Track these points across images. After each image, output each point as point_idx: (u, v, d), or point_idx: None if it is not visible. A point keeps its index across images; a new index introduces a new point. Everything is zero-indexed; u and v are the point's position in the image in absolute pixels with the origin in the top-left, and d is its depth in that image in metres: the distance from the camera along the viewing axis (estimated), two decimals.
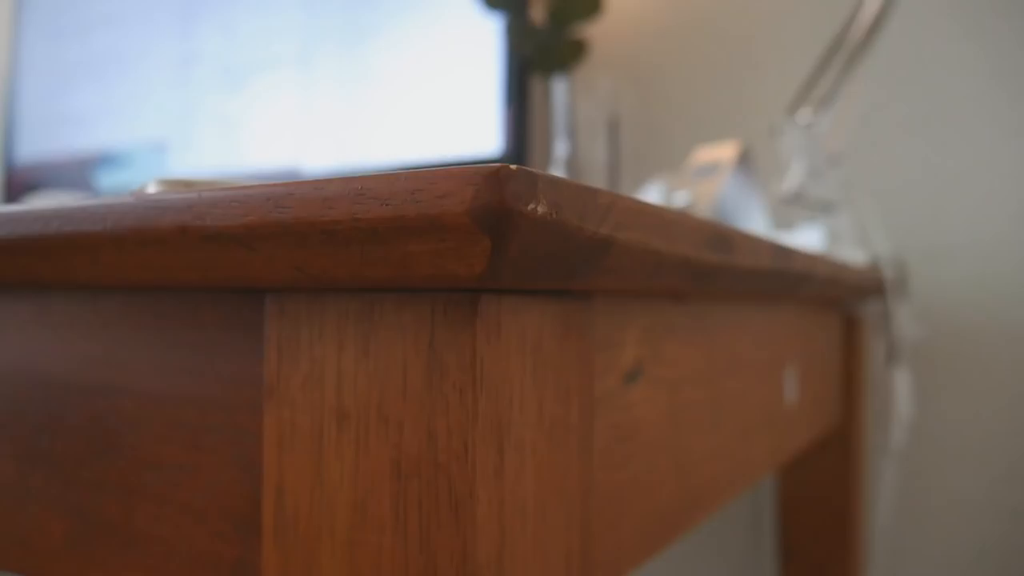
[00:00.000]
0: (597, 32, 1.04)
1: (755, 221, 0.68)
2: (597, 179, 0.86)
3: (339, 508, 0.25)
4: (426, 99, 0.94)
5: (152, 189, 0.30)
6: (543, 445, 0.26)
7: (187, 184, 0.30)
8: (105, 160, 1.20)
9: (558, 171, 0.86)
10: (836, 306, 0.76)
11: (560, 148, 0.87)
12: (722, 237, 0.32)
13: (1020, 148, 0.83)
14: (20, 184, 1.29)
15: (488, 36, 0.91)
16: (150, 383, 0.31)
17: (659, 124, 1.00)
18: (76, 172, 1.23)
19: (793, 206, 0.75)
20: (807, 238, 0.76)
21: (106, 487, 0.32)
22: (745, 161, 0.77)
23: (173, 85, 1.14)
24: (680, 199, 0.64)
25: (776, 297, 0.52)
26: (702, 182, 0.70)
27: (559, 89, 0.91)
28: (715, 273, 0.32)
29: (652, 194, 0.66)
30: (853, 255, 0.75)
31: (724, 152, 0.77)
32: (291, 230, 0.22)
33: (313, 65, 1.02)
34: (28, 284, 0.30)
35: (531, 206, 0.19)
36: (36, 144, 1.28)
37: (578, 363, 0.29)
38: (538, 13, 0.92)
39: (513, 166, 0.19)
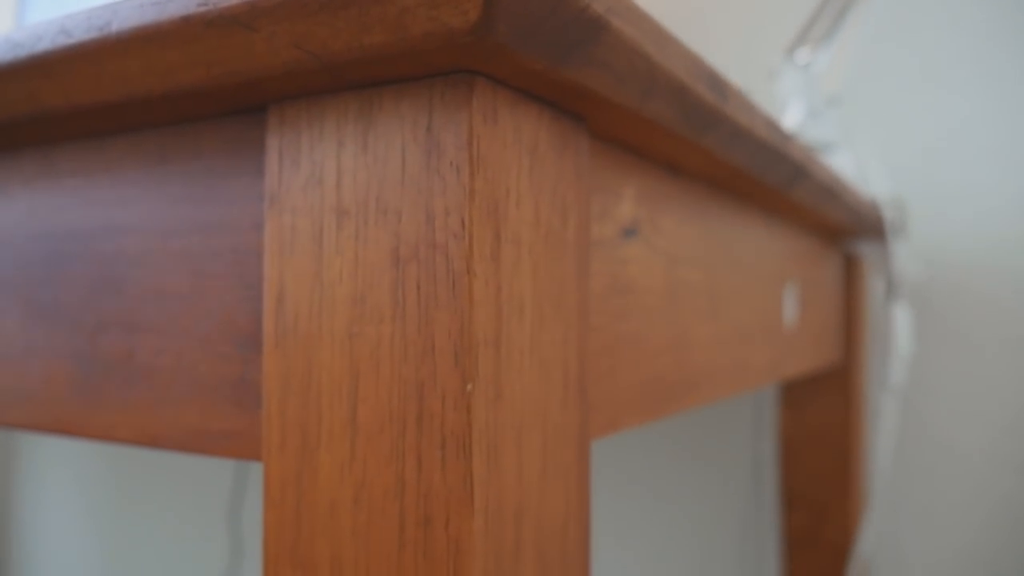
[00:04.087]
0: None
1: None
2: None
3: (338, 305, 0.25)
4: None
5: None
6: (540, 250, 0.27)
7: None
8: None
9: None
10: (836, 241, 0.76)
11: None
12: (716, 78, 0.32)
13: (1020, 91, 0.83)
14: None
15: None
16: (154, 218, 0.31)
17: None
18: None
19: None
20: None
21: (109, 328, 0.32)
22: None
23: None
24: None
25: (774, 203, 0.52)
26: None
27: None
28: (709, 118, 0.33)
29: None
30: None
31: None
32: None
33: None
34: (33, 118, 0.30)
35: None
36: None
37: (575, 185, 0.29)
38: None
39: None
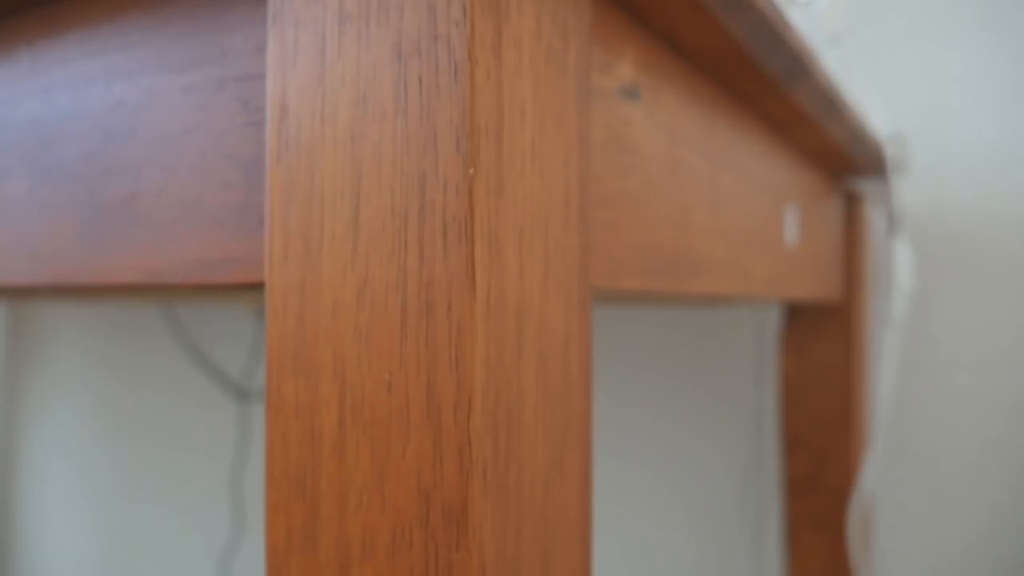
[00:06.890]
0: None
1: None
2: None
3: (341, 109, 0.25)
4: None
5: None
6: (541, 62, 0.27)
7: None
8: None
9: None
10: (838, 178, 0.76)
11: None
12: None
13: (1021, 33, 0.83)
14: None
15: None
16: (157, 59, 0.31)
17: None
18: None
19: None
20: None
21: (112, 174, 0.32)
22: None
23: None
24: None
25: (775, 110, 0.52)
26: None
27: None
28: None
29: None
30: None
31: None
32: None
33: None
34: None
35: None
36: None
37: (575, 16, 0.29)
38: None
39: None
